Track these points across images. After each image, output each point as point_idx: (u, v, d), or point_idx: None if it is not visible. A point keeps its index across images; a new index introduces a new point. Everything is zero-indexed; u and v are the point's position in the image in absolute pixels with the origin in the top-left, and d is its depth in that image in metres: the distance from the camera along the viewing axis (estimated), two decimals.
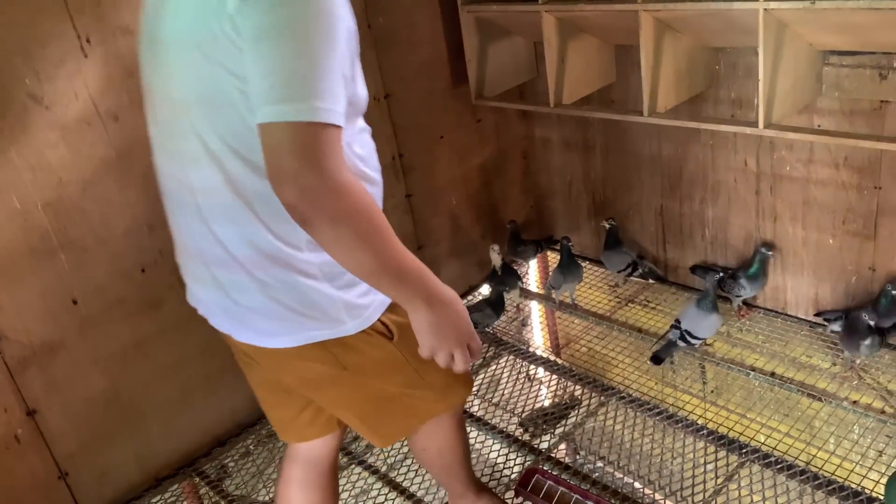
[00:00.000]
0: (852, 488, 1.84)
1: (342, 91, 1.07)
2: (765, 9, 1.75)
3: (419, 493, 2.07)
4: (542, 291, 3.00)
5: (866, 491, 1.83)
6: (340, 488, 2.09)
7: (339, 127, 1.04)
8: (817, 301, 2.35)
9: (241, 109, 1.11)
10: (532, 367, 2.55)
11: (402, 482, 2.11)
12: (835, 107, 2.06)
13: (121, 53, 1.86)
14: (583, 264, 2.94)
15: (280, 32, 1.03)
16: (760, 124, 1.89)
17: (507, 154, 2.93)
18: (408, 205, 2.65)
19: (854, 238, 2.18)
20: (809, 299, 2.36)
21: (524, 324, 2.96)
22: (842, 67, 1.99)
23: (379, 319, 1.36)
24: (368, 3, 2.32)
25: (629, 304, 2.69)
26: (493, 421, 2.32)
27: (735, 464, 1.99)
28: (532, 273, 3.10)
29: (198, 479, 2.18)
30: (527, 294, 2.91)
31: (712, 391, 2.40)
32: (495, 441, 2.24)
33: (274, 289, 1.25)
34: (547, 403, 2.48)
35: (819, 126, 2.10)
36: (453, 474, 1.77)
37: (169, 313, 2.08)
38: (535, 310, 2.97)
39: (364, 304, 1.33)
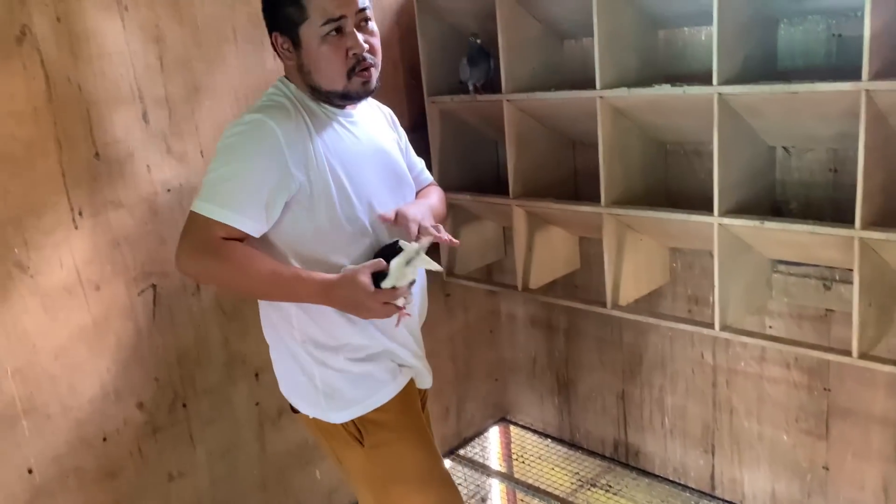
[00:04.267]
0: None
1: None
2: (719, 224, 1.91)
3: None
4: (503, 469, 2.98)
5: None
6: None
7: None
8: (774, 496, 2.38)
9: None
10: None
11: None
12: (784, 310, 2.19)
13: (110, 226, 1.93)
14: (546, 442, 2.96)
15: None
16: (716, 326, 2.00)
17: (473, 328, 3.01)
18: None
19: (807, 436, 2.25)
20: (767, 493, 2.40)
21: (484, 500, 2.92)
22: (789, 276, 2.14)
23: (353, 421, 1.60)
24: None
25: (591, 488, 2.68)
26: None
27: None
28: (493, 449, 3.09)
29: None
30: (487, 471, 2.89)
31: None
32: None
33: None
34: None
35: (770, 327, 2.22)
36: None
37: (125, 482, 2.03)
38: (496, 488, 2.93)
39: (346, 395, 1.59)
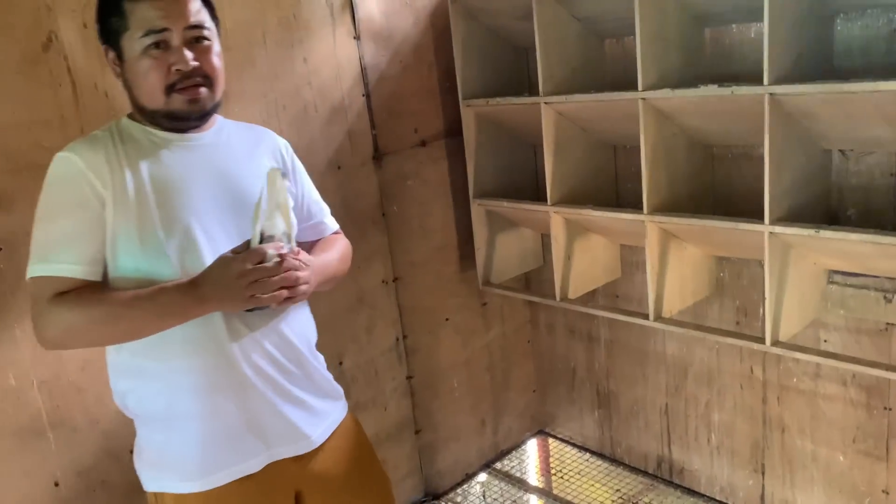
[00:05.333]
0: None
1: None
2: (771, 232, 1.79)
3: None
4: (541, 484, 2.89)
5: None
6: None
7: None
8: None
9: None
10: None
11: None
12: (840, 323, 2.06)
13: None
14: (586, 457, 2.85)
15: None
16: (767, 341, 1.88)
17: (511, 338, 2.93)
18: (408, 386, 2.61)
19: (865, 458, 2.11)
20: None
21: None
22: (846, 287, 2.01)
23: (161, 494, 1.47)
24: (384, 193, 2.40)
25: None
26: None
27: None
28: (531, 463, 3.00)
29: None
30: (524, 486, 2.80)
31: None
32: None
33: None
34: None
35: (825, 342, 2.09)
36: None
37: None
38: None
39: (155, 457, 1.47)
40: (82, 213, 1.31)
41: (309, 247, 1.55)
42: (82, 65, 1.75)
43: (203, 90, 1.37)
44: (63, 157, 1.33)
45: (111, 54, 1.38)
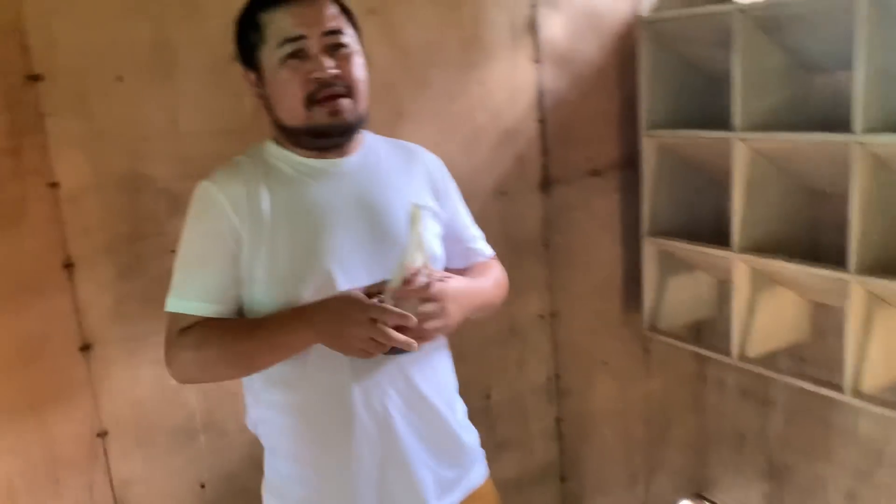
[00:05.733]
0: None
1: None
2: None
3: None
4: None
5: None
6: None
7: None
8: None
9: None
10: None
11: None
12: None
13: None
14: None
15: None
16: None
17: (673, 391, 2.70)
18: (556, 429, 2.46)
19: None
20: None
21: None
22: None
23: None
24: (548, 223, 2.28)
25: None
26: None
27: None
28: None
29: None
30: None
31: None
32: None
33: None
34: None
35: None
36: None
37: None
38: None
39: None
40: (215, 248, 1.28)
41: (460, 273, 1.44)
42: None
43: (344, 101, 1.29)
44: (204, 187, 1.31)
45: (251, 76, 1.34)
